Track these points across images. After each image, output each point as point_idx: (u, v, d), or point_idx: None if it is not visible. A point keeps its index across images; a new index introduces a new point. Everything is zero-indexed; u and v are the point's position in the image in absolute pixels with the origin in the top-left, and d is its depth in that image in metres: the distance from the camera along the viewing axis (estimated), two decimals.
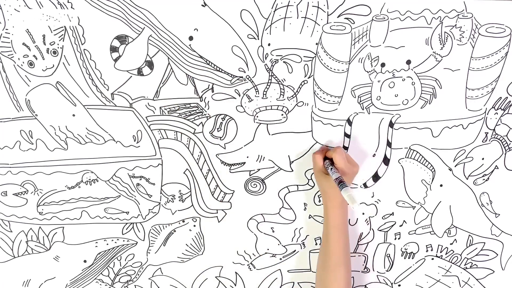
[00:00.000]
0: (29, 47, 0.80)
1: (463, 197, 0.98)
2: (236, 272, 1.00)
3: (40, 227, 0.92)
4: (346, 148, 0.92)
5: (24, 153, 0.87)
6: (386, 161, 0.93)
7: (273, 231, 0.97)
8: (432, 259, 1.03)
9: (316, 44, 0.83)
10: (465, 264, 1.04)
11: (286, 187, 0.94)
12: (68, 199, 0.91)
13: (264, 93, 0.87)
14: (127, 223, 0.94)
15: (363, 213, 0.97)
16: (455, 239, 1.01)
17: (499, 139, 0.94)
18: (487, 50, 0.86)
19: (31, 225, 0.92)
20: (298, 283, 1.03)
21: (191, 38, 0.82)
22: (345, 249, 0.86)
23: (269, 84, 0.86)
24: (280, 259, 1.00)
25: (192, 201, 0.93)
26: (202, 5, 0.80)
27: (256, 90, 0.86)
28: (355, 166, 0.86)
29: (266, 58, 0.84)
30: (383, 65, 0.86)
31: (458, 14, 0.83)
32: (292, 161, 0.92)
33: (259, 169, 0.92)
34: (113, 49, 0.81)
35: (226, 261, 0.99)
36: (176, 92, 0.85)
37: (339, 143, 0.91)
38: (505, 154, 0.95)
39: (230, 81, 0.85)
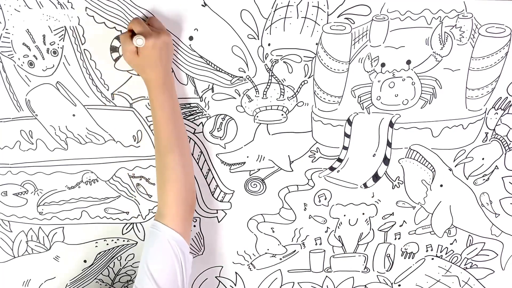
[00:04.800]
0: (29, 47, 0.80)
1: (463, 197, 0.98)
2: (236, 272, 1.00)
3: (40, 227, 0.92)
4: (346, 148, 0.92)
5: (24, 153, 0.87)
6: (386, 161, 0.93)
7: (273, 231, 0.97)
8: (432, 259, 1.03)
9: (316, 44, 0.83)
10: (465, 264, 1.04)
11: (286, 187, 0.94)
12: (68, 199, 0.91)
13: (264, 93, 0.87)
14: (127, 223, 0.94)
15: (363, 213, 0.97)
16: (455, 239, 1.01)
17: (499, 139, 0.94)
18: (487, 50, 0.86)
19: (31, 225, 0.92)
20: (298, 283, 1.03)
21: (191, 38, 0.82)
22: (175, 132, 0.79)
23: (269, 84, 0.86)
24: (280, 259, 1.00)
25: None
26: (202, 5, 0.80)
27: (256, 90, 0.86)
28: (162, 32, 0.76)
29: (266, 58, 0.84)
30: (383, 65, 0.86)
31: (458, 14, 0.83)
32: (292, 161, 0.92)
33: (259, 169, 0.92)
34: (113, 49, 0.81)
35: (226, 261, 0.99)
36: (176, 92, 0.85)
37: (339, 143, 0.91)
38: (505, 154, 0.95)
39: (230, 81, 0.85)
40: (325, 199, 0.95)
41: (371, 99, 0.88)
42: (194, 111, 0.87)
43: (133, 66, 0.79)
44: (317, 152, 0.92)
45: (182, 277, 0.76)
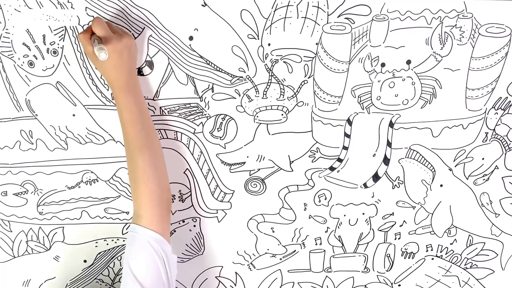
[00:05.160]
0: (29, 47, 0.80)
1: (463, 197, 0.98)
2: (236, 272, 1.00)
3: (40, 227, 0.92)
4: (346, 148, 0.92)
5: (24, 153, 0.87)
6: (386, 161, 0.93)
7: (273, 231, 0.97)
8: (432, 259, 1.03)
9: (316, 44, 0.83)
10: (465, 264, 1.04)
11: (286, 187, 0.94)
12: (68, 199, 0.91)
13: (264, 93, 0.87)
14: (127, 223, 0.94)
15: (363, 213, 0.97)
16: (455, 239, 1.01)
17: (499, 139, 0.94)
18: (487, 50, 0.86)
19: (31, 225, 0.92)
20: (298, 283, 1.03)
21: (191, 38, 0.82)
22: (143, 133, 0.79)
23: (269, 84, 0.86)
24: (280, 259, 1.00)
25: (192, 201, 0.93)
26: (202, 5, 0.80)
27: (256, 90, 0.86)
28: (124, 35, 0.76)
29: (266, 58, 0.84)
30: (383, 65, 0.86)
31: (458, 14, 0.83)
32: (292, 161, 0.92)
33: (259, 169, 0.92)
34: None
35: (226, 261, 0.99)
36: (176, 92, 0.85)
37: (339, 143, 0.91)
38: (505, 154, 0.95)
39: (230, 81, 0.85)
40: (325, 199, 0.95)
41: (371, 99, 0.88)
42: (194, 111, 0.87)
43: (96, 67, 0.80)
44: (317, 152, 0.92)
45: (167, 276, 0.76)
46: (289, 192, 0.94)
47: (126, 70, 0.77)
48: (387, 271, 1.03)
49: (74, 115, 0.85)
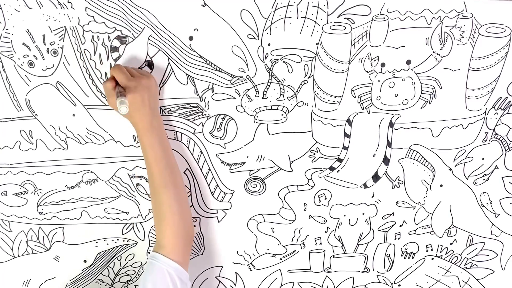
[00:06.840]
0: (29, 47, 0.80)
1: (463, 197, 0.98)
2: (236, 272, 1.00)
3: (40, 227, 0.92)
4: (346, 148, 0.92)
5: (24, 153, 0.87)
6: (386, 161, 0.93)
7: (273, 231, 0.97)
8: (432, 259, 1.03)
9: (316, 44, 0.83)
10: (465, 264, 1.04)
11: (286, 187, 0.94)
12: (68, 199, 0.91)
13: (264, 93, 0.87)
14: (127, 223, 0.94)
15: (363, 213, 0.97)
16: (455, 239, 1.01)
17: (499, 139, 0.94)
18: (487, 50, 0.86)
19: (31, 225, 0.92)
20: (298, 283, 1.03)
21: (191, 38, 0.82)
22: (167, 169, 0.81)
23: (269, 84, 0.86)
24: (280, 259, 1.00)
25: (192, 201, 0.93)
26: (202, 5, 0.80)
27: (256, 90, 0.86)
28: (143, 77, 0.78)
29: (266, 58, 0.84)
30: (383, 65, 0.86)
31: (458, 14, 0.83)
32: (292, 161, 0.92)
33: (259, 169, 0.92)
34: (113, 49, 0.81)
35: (226, 261, 0.99)
36: (176, 92, 0.85)
37: (339, 143, 0.91)
38: (505, 154, 0.95)
39: (230, 81, 0.85)
40: (325, 199, 0.95)
41: (371, 99, 0.88)
42: (194, 111, 0.87)
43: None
44: (317, 152, 0.92)
45: None
46: (289, 192, 0.94)
47: (149, 110, 0.79)
48: (387, 271, 1.03)
49: (74, 115, 0.85)
